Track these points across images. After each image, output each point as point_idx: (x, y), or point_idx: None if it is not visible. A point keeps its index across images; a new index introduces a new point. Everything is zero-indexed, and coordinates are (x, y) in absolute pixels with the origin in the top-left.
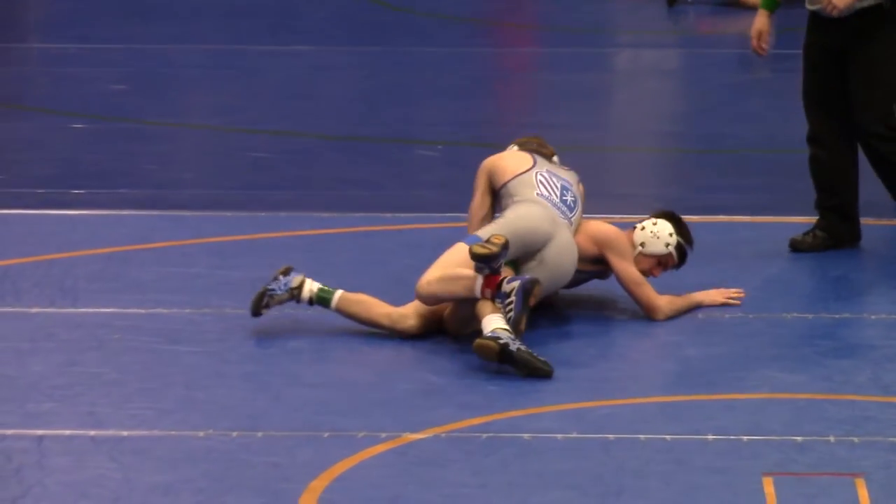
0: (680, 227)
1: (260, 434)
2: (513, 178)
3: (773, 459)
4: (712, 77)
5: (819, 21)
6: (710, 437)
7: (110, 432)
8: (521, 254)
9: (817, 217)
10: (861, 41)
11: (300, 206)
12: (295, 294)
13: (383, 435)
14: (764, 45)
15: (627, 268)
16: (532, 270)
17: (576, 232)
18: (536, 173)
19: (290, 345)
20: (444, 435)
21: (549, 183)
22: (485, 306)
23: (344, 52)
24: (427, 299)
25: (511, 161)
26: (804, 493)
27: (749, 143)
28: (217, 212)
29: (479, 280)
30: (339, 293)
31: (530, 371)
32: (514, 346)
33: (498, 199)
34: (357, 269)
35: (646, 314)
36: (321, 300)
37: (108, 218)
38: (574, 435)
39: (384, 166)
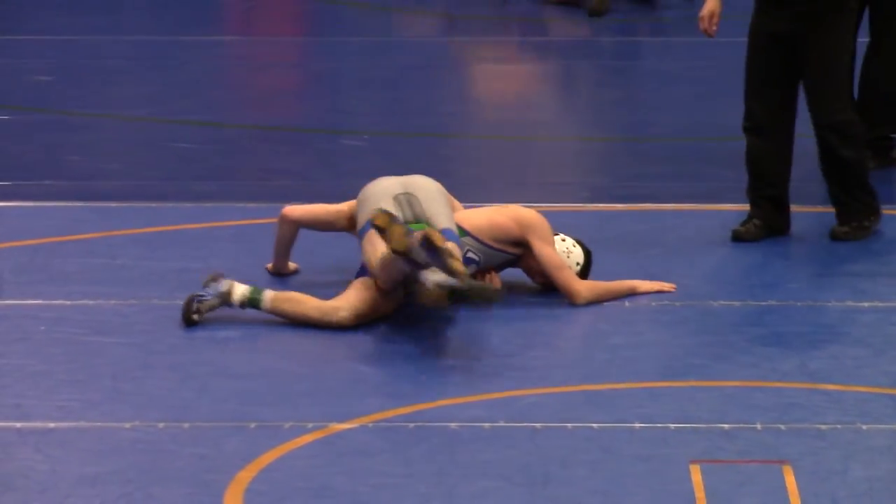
0: (587, 265)
1: (187, 425)
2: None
3: (700, 447)
4: (635, 65)
5: (770, 6)
6: (638, 425)
7: (37, 424)
8: (404, 208)
9: (749, 205)
10: (814, 27)
11: (226, 196)
12: (225, 298)
13: (310, 425)
14: (715, 27)
15: (549, 251)
16: (429, 211)
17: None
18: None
19: (217, 335)
20: (371, 425)
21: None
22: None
23: (269, 42)
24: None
25: None
26: (731, 480)
27: (674, 132)
28: (142, 202)
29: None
30: (269, 293)
31: (483, 297)
32: (456, 283)
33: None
34: None
35: (567, 298)
36: (252, 302)
37: (33, 210)
38: (501, 424)
39: (310, 156)
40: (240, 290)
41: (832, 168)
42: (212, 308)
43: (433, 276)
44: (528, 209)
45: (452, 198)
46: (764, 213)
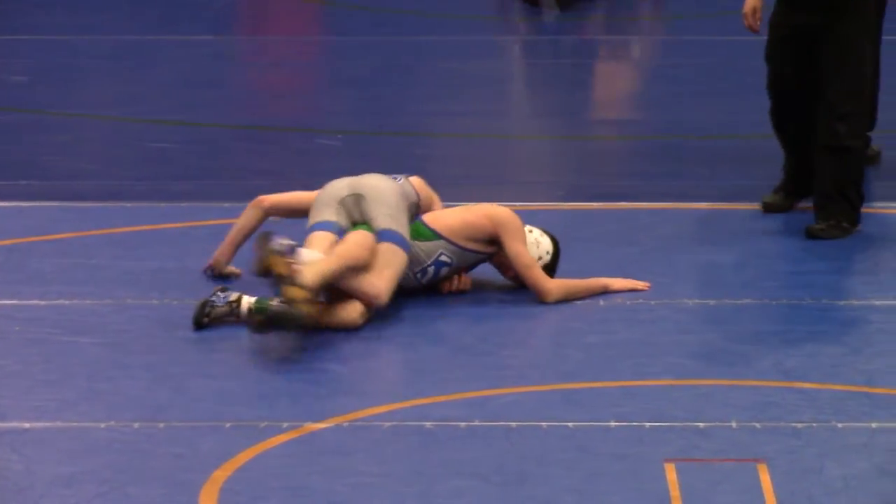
0: (555, 255)
1: (162, 425)
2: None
3: (675, 446)
4: (609, 63)
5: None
6: (613, 423)
7: (12, 424)
8: (350, 211)
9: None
10: (834, 18)
11: (203, 196)
12: (234, 308)
13: (285, 425)
14: (758, 23)
15: (520, 249)
16: (371, 212)
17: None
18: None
19: (192, 335)
20: (346, 424)
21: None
22: None
23: (247, 41)
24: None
25: None
26: (707, 479)
27: (649, 130)
28: (119, 202)
29: None
30: (274, 302)
31: (288, 320)
32: (271, 310)
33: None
34: None
35: (537, 297)
36: (259, 311)
37: (9, 210)
38: (477, 423)
39: (287, 156)
40: (247, 300)
41: (832, 159)
42: (220, 316)
43: (271, 303)
44: (499, 206)
45: (432, 192)
46: (790, 182)
